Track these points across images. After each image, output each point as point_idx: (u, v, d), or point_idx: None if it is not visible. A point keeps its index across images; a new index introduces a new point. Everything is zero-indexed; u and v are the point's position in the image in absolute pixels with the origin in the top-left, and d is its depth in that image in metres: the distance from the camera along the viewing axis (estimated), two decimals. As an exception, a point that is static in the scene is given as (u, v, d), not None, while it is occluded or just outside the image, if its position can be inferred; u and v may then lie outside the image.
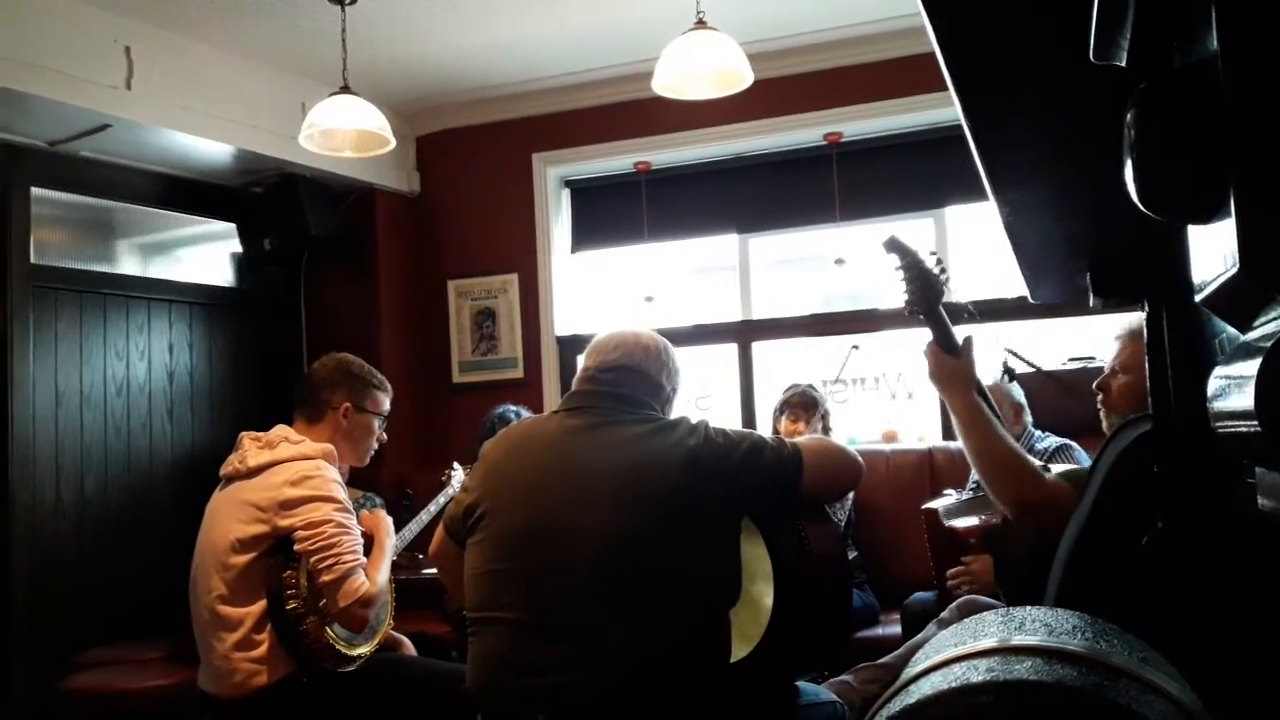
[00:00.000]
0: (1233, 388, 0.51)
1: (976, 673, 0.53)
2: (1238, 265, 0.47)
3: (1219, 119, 0.47)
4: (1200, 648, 0.86)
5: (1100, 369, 2.25)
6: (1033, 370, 2.11)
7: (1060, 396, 2.37)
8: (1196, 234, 0.60)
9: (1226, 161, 0.47)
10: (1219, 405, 0.54)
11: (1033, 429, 3.22)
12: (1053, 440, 3.12)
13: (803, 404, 3.62)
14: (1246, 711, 0.85)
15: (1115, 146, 0.68)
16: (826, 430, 3.64)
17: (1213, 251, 0.52)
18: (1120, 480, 1.45)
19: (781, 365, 4.41)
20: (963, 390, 1.94)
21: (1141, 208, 0.53)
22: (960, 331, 2.03)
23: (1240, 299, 0.51)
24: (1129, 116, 0.53)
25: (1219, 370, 0.58)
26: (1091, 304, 1.39)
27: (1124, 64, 0.58)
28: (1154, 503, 1.20)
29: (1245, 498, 0.97)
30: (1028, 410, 3.25)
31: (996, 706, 0.51)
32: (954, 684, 0.53)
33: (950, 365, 1.97)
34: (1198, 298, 0.56)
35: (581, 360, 2.00)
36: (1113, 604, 0.83)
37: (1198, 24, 0.50)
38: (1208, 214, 0.51)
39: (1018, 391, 3.24)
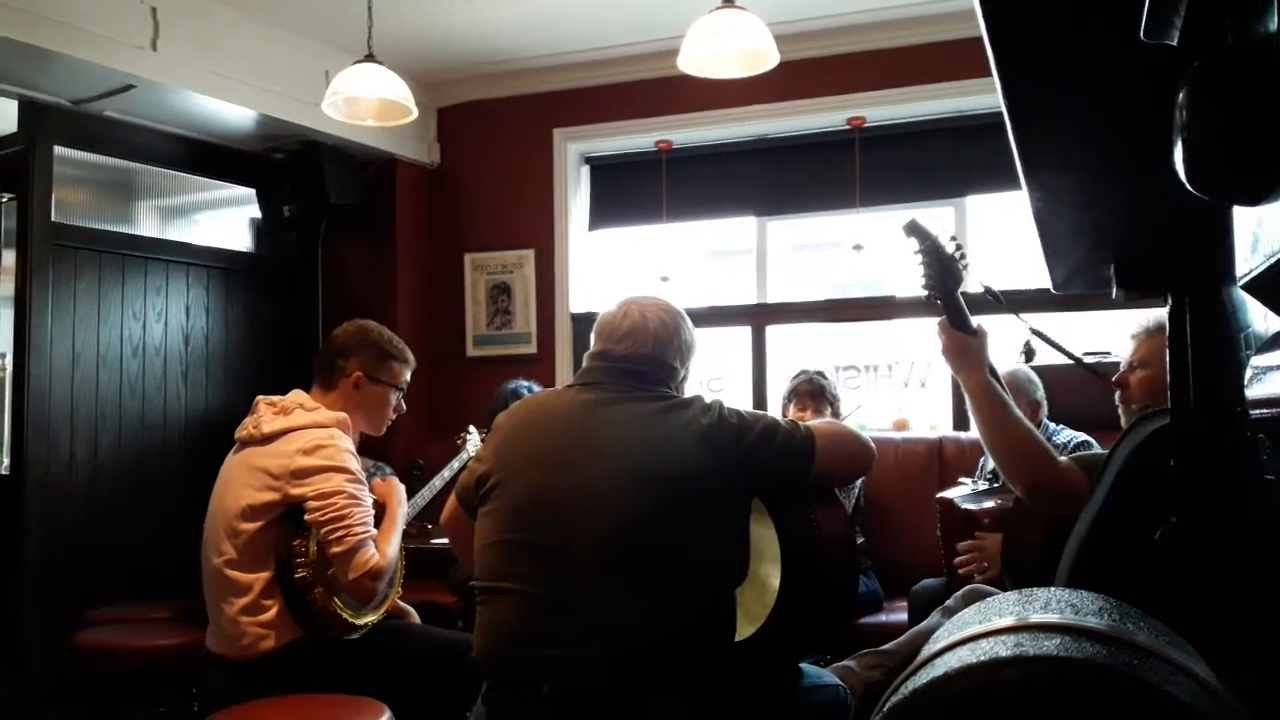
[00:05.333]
0: (1272, 373, 0.51)
1: (1004, 648, 0.53)
2: (1291, 246, 0.46)
3: (1275, 99, 0.46)
4: (1212, 643, 0.86)
5: (1116, 364, 2.24)
6: (1065, 356, 2.09)
7: (1080, 389, 2.37)
8: (1240, 219, 0.59)
9: (1283, 141, 0.46)
10: (1256, 392, 0.54)
11: (1049, 423, 3.20)
12: (1070, 435, 3.10)
13: (810, 392, 3.60)
14: (1259, 706, 0.85)
15: (1153, 132, 0.67)
16: (836, 416, 3.63)
17: (1259, 235, 0.52)
18: (1135, 474, 1.44)
19: (795, 350, 4.40)
20: (976, 367, 1.93)
21: (1189, 188, 0.52)
22: (983, 319, 2.02)
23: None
24: (1181, 96, 0.52)
25: (1256, 360, 0.58)
26: (1114, 295, 1.38)
27: (1175, 43, 0.57)
28: (1168, 497, 1.19)
29: (1262, 493, 0.97)
30: (1045, 407, 3.23)
31: (1024, 681, 0.51)
32: (981, 658, 0.53)
33: (963, 342, 1.94)
34: (1240, 282, 0.56)
35: (593, 338, 1.97)
36: (1123, 598, 0.83)
37: (1256, 3, 0.49)
38: (1258, 195, 0.50)
39: (1037, 389, 3.22)
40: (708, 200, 4.56)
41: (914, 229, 2.01)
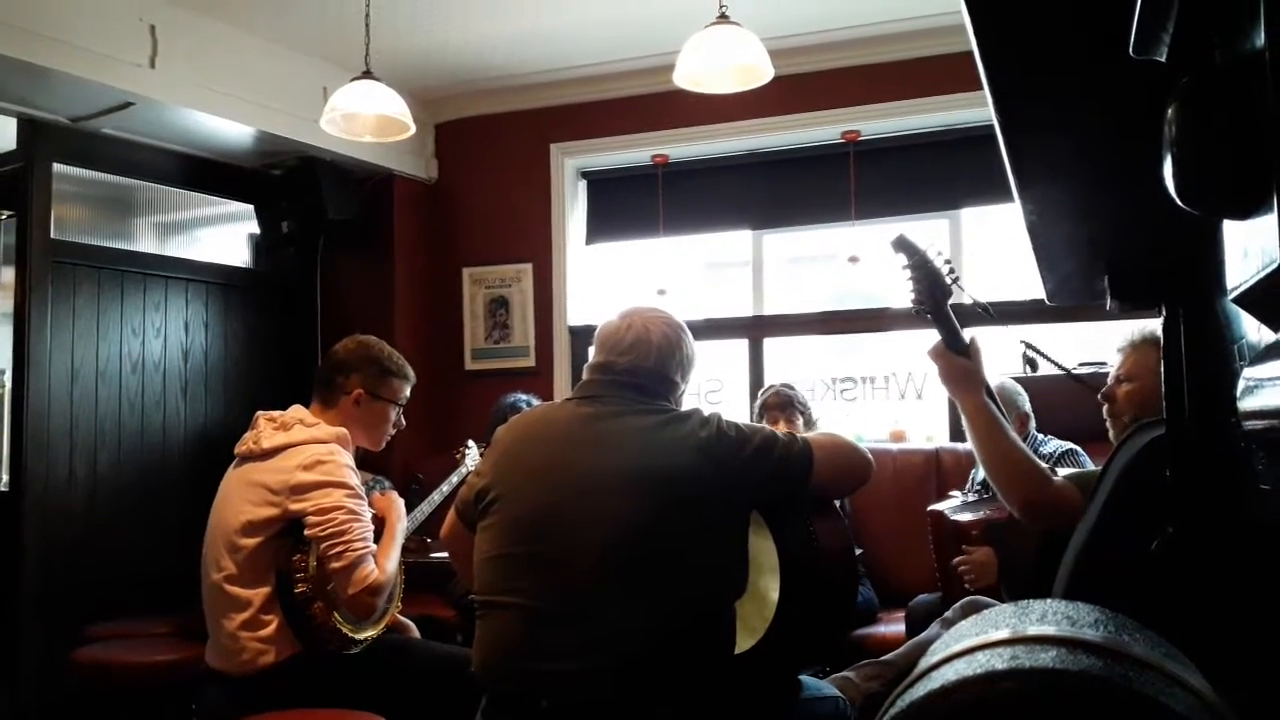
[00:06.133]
0: (1265, 386, 0.51)
1: (1000, 660, 0.53)
2: (1278, 261, 0.47)
3: (1263, 114, 0.47)
4: (1208, 654, 0.86)
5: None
6: (1055, 368, 2.09)
7: (1072, 401, 2.39)
8: (1230, 233, 0.60)
9: (1270, 156, 0.47)
10: (1249, 404, 0.54)
11: (1036, 433, 3.21)
12: (1057, 444, 3.11)
13: (778, 404, 3.56)
14: (1254, 718, 0.85)
15: (1143, 146, 0.68)
16: (809, 424, 3.59)
17: (1248, 249, 0.52)
18: (1130, 485, 1.45)
19: (792, 362, 4.41)
20: (973, 390, 1.95)
21: (1179, 202, 0.53)
22: (973, 331, 2.03)
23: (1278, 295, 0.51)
24: (1170, 111, 0.53)
25: (1249, 371, 0.58)
26: (1108, 307, 1.38)
27: (1164, 59, 0.58)
28: (1164, 508, 1.19)
29: (1258, 502, 0.97)
30: (1033, 419, 3.24)
31: (1020, 694, 0.51)
32: (977, 671, 0.53)
33: (960, 366, 1.96)
34: (1230, 296, 0.56)
35: (592, 350, 1.97)
36: (1120, 608, 0.83)
37: (1243, 19, 0.50)
38: (1247, 210, 0.51)
39: (1024, 401, 3.23)
40: (704, 214, 4.57)
41: (902, 244, 2.02)
